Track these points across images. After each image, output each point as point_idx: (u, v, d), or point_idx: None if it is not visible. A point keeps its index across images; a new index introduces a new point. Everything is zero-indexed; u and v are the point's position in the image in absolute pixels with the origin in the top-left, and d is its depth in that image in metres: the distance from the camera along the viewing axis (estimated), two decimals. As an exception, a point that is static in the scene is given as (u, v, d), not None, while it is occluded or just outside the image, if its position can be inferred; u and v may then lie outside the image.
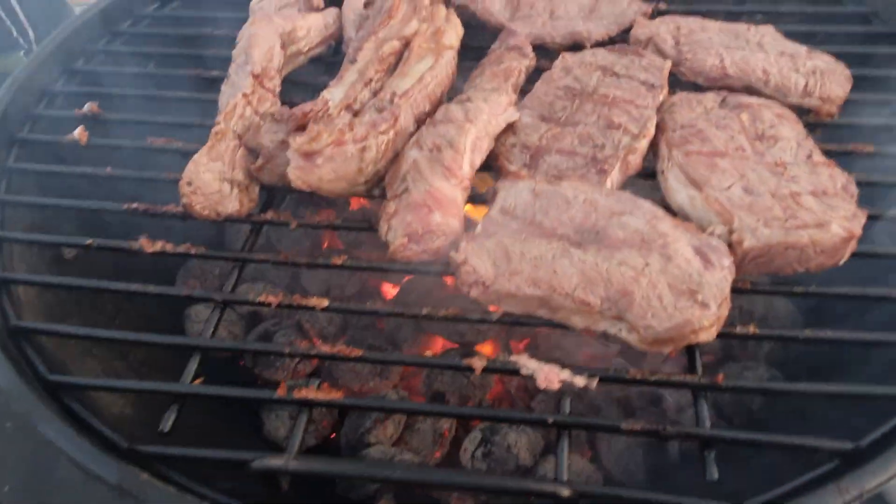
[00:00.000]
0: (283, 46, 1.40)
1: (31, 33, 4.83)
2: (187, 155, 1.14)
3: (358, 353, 0.97)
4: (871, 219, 1.03)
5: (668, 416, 1.35)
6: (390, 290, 1.72)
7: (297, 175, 1.08)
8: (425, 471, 1.16)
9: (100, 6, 1.64)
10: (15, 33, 4.81)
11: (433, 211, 1.05)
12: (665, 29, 1.41)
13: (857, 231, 0.98)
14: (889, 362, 1.13)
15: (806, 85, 1.28)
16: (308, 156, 1.07)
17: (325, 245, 1.80)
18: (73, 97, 1.44)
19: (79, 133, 1.31)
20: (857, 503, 0.76)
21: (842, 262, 1.01)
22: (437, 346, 1.61)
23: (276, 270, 1.72)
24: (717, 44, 1.37)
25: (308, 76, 1.51)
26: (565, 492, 0.78)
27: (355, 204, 1.73)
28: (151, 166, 1.27)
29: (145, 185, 1.24)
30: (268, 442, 1.43)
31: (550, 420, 0.88)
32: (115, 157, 1.31)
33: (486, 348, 1.54)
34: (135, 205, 1.17)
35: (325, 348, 0.99)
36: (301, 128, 1.13)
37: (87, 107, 1.37)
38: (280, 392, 0.93)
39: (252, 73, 1.26)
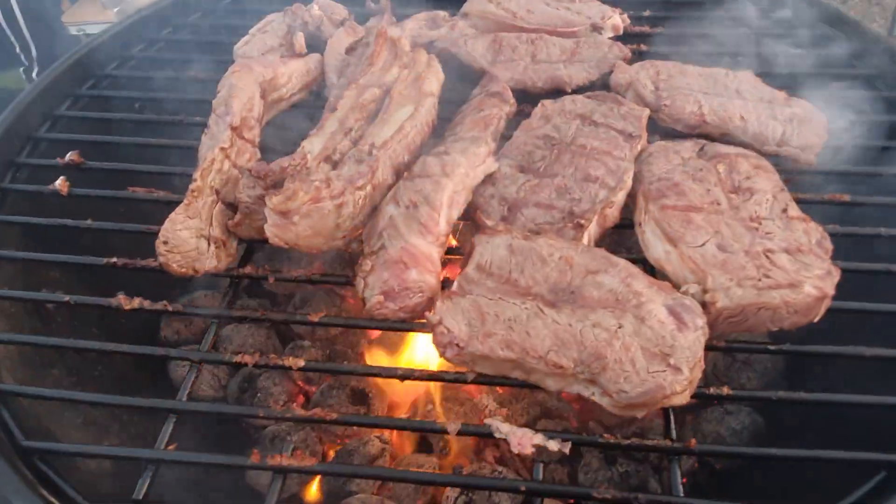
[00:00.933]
0: (264, 95, 1.41)
1: (33, 51, 4.85)
2: (170, 204, 1.15)
3: (333, 416, 0.97)
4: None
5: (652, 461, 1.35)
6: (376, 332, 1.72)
7: (274, 233, 1.09)
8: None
9: (82, 51, 1.65)
10: (17, 49, 4.84)
11: (409, 268, 1.06)
12: (645, 74, 1.42)
13: (830, 291, 0.98)
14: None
15: (783, 132, 1.29)
16: (285, 214, 1.08)
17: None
18: (56, 144, 1.45)
19: (60, 184, 1.32)
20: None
21: (816, 320, 1.01)
22: (422, 386, 1.60)
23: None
24: (696, 90, 1.38)
25: (291, 121, 1.52)
26: None
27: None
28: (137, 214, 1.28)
29: (127, 237, 1.25)
30: (252, 491, 1.42)
31: (522, 487, 0.88)
32: (96, 207, 1.32)
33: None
34: (114, 259, 1.17)
35: (301, 411, 0.99)
36: (278, 184, 1.14)
37: (69, 156, 1.38)
38: (254, 459, 0.92)
39: (231, 125, 1.26)
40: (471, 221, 1.21)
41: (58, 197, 1.33)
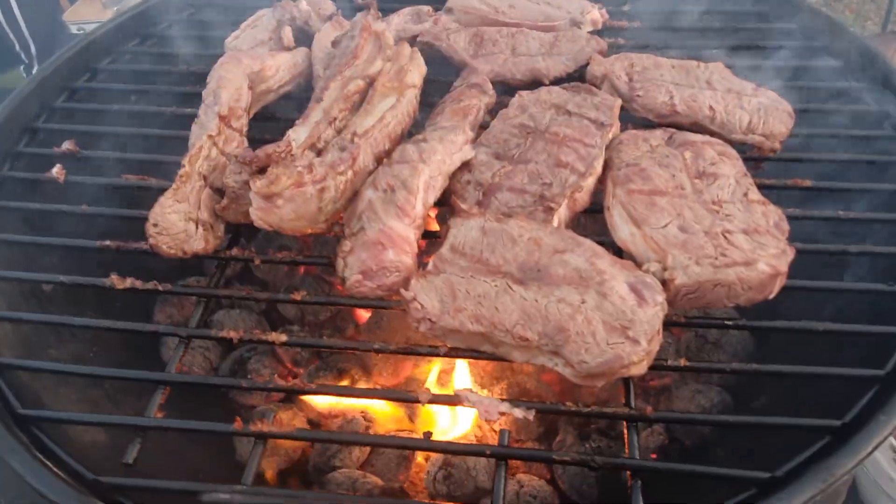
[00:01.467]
0: (252, 86, 1.46)
1: (32, 49, 4.90)
2: (161, 191, 1.21)
3: (311, 386, 1.03)
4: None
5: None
6: (363, 314, 1.77)
7: (259, 216, 1.14)
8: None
9: (80, 44, 1.71)
10: (17, 48, 4.89)
11: (386, 249, 1.11)
12: (619, 66, 1.47)
13: (783, 268, 1.04)
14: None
15: (750, 121, 1.34)
16: (269, 198, 1.13)
17: (302, 271, 1.86)
18: (54, 134, 1.51)
19: (57, 171, 1.37)
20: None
21: (772, 297, 1.06)
22: (407, 369, 1.66)
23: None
24: (668, 81, 1.44)
25: (280, 111, 1.58)
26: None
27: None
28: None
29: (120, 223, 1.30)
30: (240, 466, 1.48)
31: (488, 451, 0.93)
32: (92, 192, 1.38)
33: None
34: (107, 242, 1.23)
35: (282, 382, 1.04)
36: (263, 170, 1.19)
37: (65, 145, 1.44)
38: (236, 426, 0.98)
39: (219, 114, 1.32)
40: (448, 206, 1.26)
41: (54, 184, 1.39)
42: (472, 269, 1.08)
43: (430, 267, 1.10)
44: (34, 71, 5.04)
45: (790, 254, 1.07)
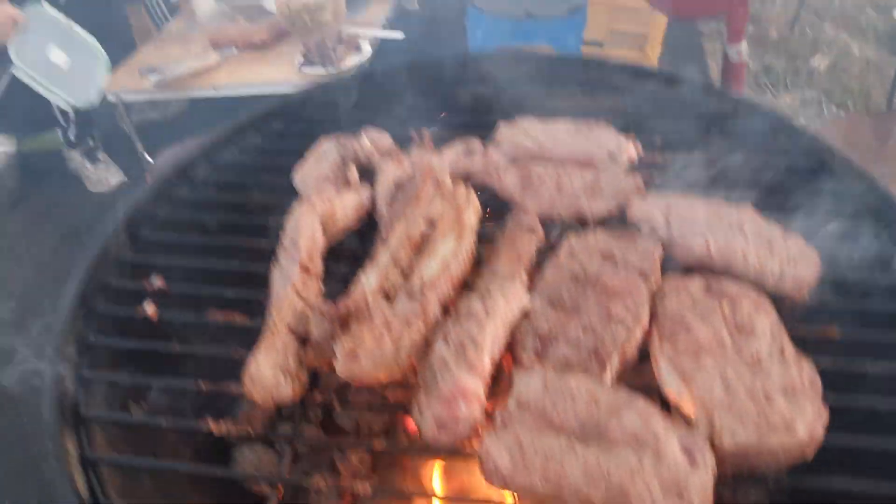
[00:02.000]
0: (325, 228, 1.61)
1: (70, 113, 5.15)
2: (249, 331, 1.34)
3: None
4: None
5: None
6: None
7: (344, 370, 1.27)
8: None
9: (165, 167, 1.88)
10: (57, 112, 5.14)
11: (459, 403, 1.24)
12: (658, 212, 1.61)
13: (819, 434, 1.15)
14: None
15: (781, 271, 1.47)
16: (352, 354, 1.27)
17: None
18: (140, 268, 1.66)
19: (150, 309, 1.52)
20: None
21: (810, 458, 1.17)
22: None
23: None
24: (703, 225, 1.57)
25: (345, 245, 1.72)
26: None
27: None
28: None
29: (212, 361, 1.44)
30: None
31: None
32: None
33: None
34: (202, 385, 1.36)
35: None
36: (344, 323, 1.33)
37: (155, 281, 1.58)
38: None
39: (300, 263, 1.47)
40: (510, 353, 1.39)
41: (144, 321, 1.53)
42: (538, 424, 1.21)
43: (498, 423, 1.23)
44: (71, 135, 5.27)
45: (825, 416, 1.18)
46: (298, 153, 1.89)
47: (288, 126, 2.16)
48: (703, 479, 1.10)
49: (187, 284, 1.60)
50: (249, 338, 1.38)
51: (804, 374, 1.25)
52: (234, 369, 1.32)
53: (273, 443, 1.70)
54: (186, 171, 1.92)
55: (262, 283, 1.51)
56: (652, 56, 5.66)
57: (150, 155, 4.89)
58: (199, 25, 4.92)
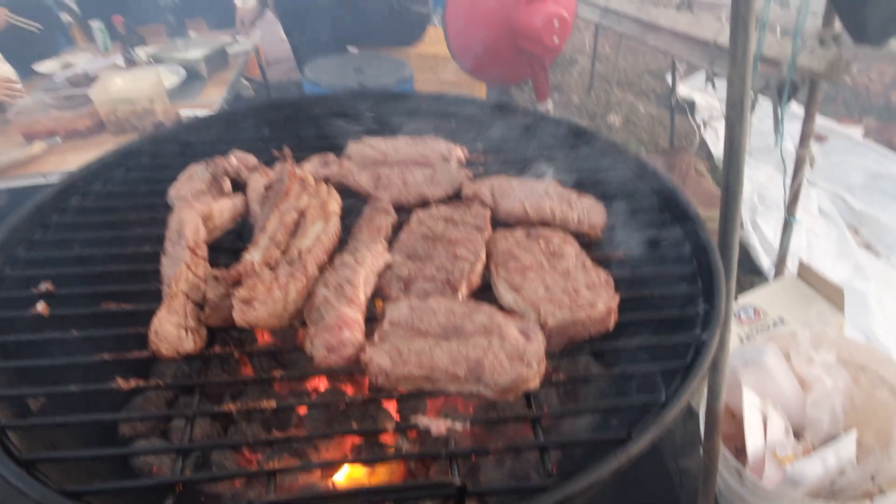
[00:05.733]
0: (204, 224, 1.83)
1: None
2: (137, 314, 1.52)
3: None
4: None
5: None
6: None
7: (240, 317, 1.49)
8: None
9: (31, 204, 1.99)
10: None
11: (343, 329, 1.50)
12: (485, 188, 2.03)
13: (614, 306, 1.56)
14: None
15: (578, 218, 1.93)
16: (248, 302, 1.49)
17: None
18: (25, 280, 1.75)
19: (41, 308, 1.63)
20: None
21: (611, 327, 1.57)
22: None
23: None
24: (519, 194, 2.00)
25: (225, 242, 1.94)
26: (457, 481, 1.21)
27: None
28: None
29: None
30: None
31: (444, 451, 1.31)
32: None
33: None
34: (105, 355, 1.50)
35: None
36: (236, 283, 1.56)
37: (44, 286, 1.69)
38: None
39: (188, 246, 1.68)
40: (380, 297, 1.68)
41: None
42: (409, 334, 1.50)
43: (376, 338, 1.50)
44: None
45: (616, 298, 1.60)
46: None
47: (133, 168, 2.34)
48: (536, 348, 1.45)
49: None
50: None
51: (601, 276, 1.67)
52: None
53: (167, 434, 1.83)
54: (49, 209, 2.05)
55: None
56: (476, 118, 6.38)
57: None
58: (11, 118, 4.60)
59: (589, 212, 1.95)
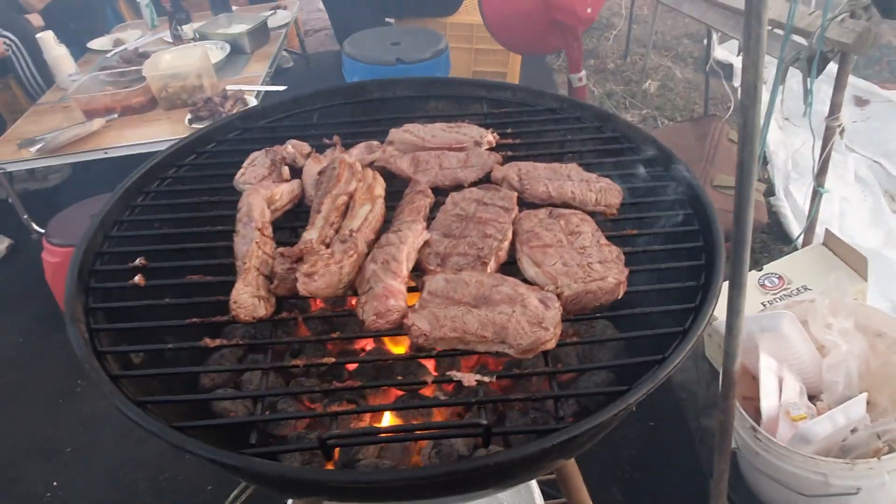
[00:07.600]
0: (269, 206, 2.12)
1: None
2: (214, 284, 1.82)
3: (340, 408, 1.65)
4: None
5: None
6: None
7: (304, 287, 1.78)
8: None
9: (119, 188, 2.31)
10: None
11: (389, 298, 1.77)
12: (512, 172, 2.26)
13: (623, 279, 1.79)
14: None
15: (596, 198, 2.15)
16: (309, 275, 1.78)
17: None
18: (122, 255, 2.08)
19: (138, 279, 1.95)
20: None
21: (620, 297, 1.81)
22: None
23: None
24: (544, 178, 2.23)
25: (284, 221, 2.23)
26: (483, 421, 1.48)
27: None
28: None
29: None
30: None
31: (474, 400, 1.59)
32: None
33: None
34: (195, 319, 1.81)
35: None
36: (299, 259, 1.85)
37: (138, 260, 2.02)
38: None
39: (257, 227, 1.97)
40: (420, 271, 1.95)
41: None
42: (444, 303, 1.77)
43: (417, 306, 1.78)
44: None
45: (626, 272, 1.83)
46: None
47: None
48: (553, 315, 1.70)
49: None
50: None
51: (613, 252, 1.90)
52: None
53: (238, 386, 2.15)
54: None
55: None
56: (511, 89, 6.53)
57: (35, 223, 5.07)
58: (71, 96, 4.93)
59: (606, 193, 2.17)
